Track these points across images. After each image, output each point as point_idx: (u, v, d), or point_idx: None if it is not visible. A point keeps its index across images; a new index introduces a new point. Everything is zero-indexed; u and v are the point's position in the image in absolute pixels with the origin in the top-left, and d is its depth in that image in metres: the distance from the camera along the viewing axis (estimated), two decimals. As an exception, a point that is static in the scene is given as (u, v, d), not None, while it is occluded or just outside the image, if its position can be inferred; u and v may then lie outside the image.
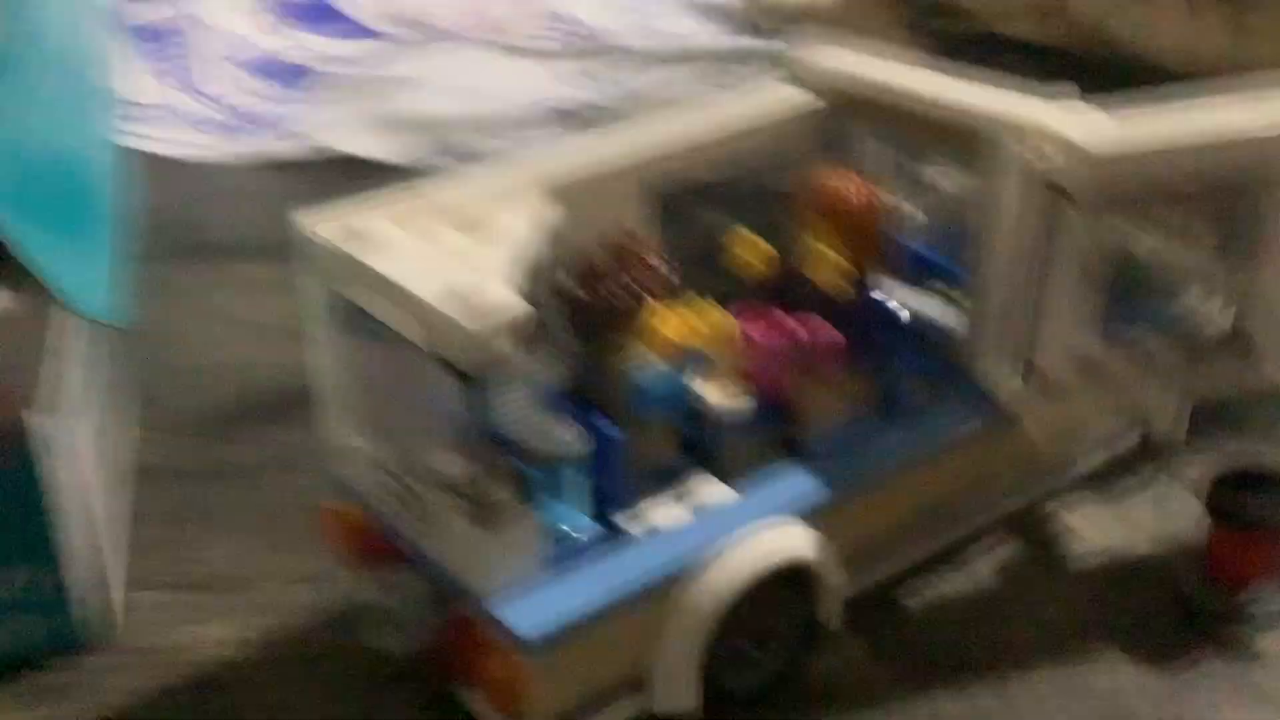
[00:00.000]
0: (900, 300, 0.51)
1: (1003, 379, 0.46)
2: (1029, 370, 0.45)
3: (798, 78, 0.50)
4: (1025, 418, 0.46)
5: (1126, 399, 0.46)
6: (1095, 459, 0.53)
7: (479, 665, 0.38)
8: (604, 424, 0.41)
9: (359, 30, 1.12)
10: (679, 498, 0.43)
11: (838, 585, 0.44)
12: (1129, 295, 0.52)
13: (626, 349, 0.42)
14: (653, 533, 0.41)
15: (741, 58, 1.02)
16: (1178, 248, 0.49)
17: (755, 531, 0.41)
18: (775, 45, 1.04)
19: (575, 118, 0.92)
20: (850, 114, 0.49)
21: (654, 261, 0.41)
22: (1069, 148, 0.41)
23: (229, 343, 0.66)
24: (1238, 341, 0.46)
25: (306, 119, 0.93)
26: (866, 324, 0.46)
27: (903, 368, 0.48)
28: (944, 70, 0.47)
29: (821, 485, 0.43)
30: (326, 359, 0.42)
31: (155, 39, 1.03)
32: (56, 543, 0.44)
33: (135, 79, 0.95)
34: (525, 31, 1.10)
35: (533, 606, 0.38)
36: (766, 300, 0.47)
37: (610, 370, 0.42)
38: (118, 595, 0.48)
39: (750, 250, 0.47)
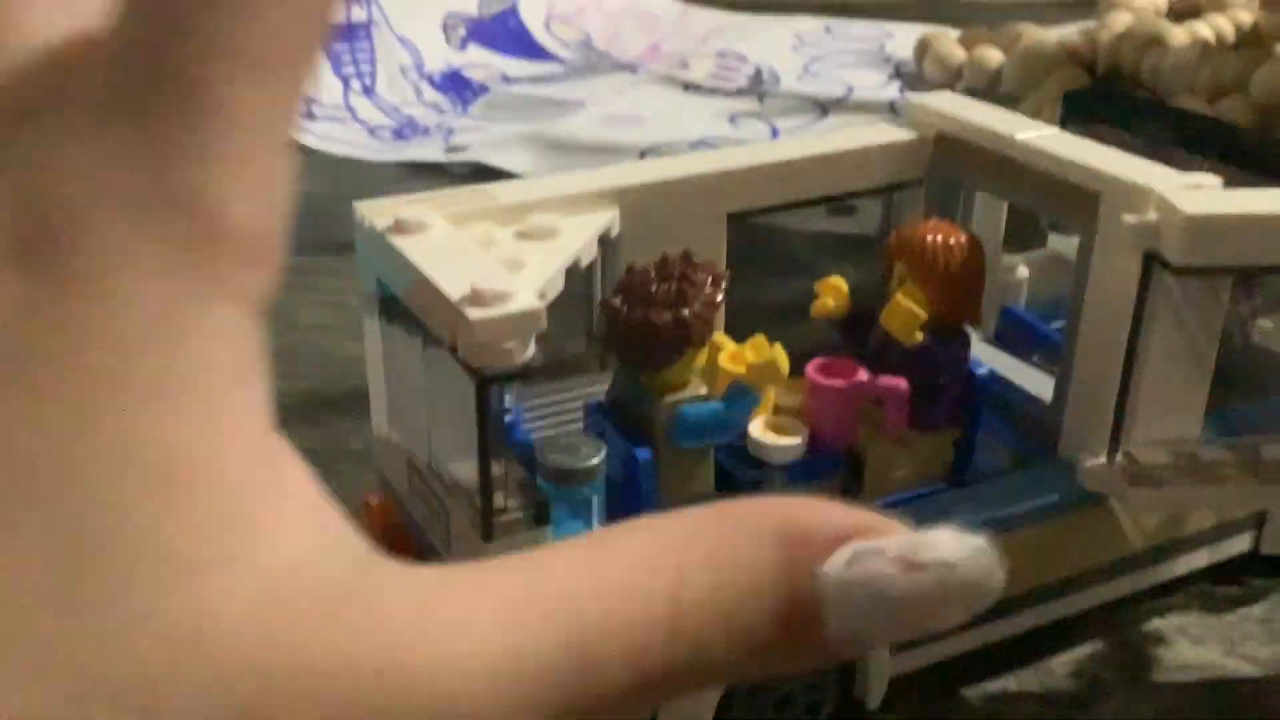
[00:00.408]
0: (990, 363, 0.48)
1: (1087, 458, 0.42)
2: (1115, 451, 0.41)
3: (911, 119, 0.48)
4: (1110, 502, 0.41)
5: (1227, 501, 0.41)
6: (1197, 560, 0.48)
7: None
8: (637, 448, 0.40)
9: (542, 54, 1.14)
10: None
11: (879, 660, 0.40)
12: (1252, 388, 0.47)
13: (672, 374, 0.40)
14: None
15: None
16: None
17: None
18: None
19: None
20: (960, 162, 0.46)
21: (709, 288, 0.39)
22: (1165, 207, 0.37)
23: (338, 327, 0.67)
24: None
25: (474, 134, 0.94)
26: (939, 379, 0.43)
27: (979, 433, 0.45)
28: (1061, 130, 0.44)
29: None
30: (372, 350, 0.41)
31: (344, 38, 1.07)
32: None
33: (320, 78, 0.98)
34: (705, 70, 1.10)
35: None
36: (848, 349, 0.44)
37: (650, 395, 0.40)
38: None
39: (829, 291, 0.44)
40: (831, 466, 0.43)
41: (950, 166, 0.47)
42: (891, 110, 1.00)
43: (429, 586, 0.20)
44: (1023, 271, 0.54)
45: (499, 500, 0.35)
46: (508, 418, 0.40)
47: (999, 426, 0.47)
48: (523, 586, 0.20)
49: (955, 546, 0.22)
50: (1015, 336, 0.50)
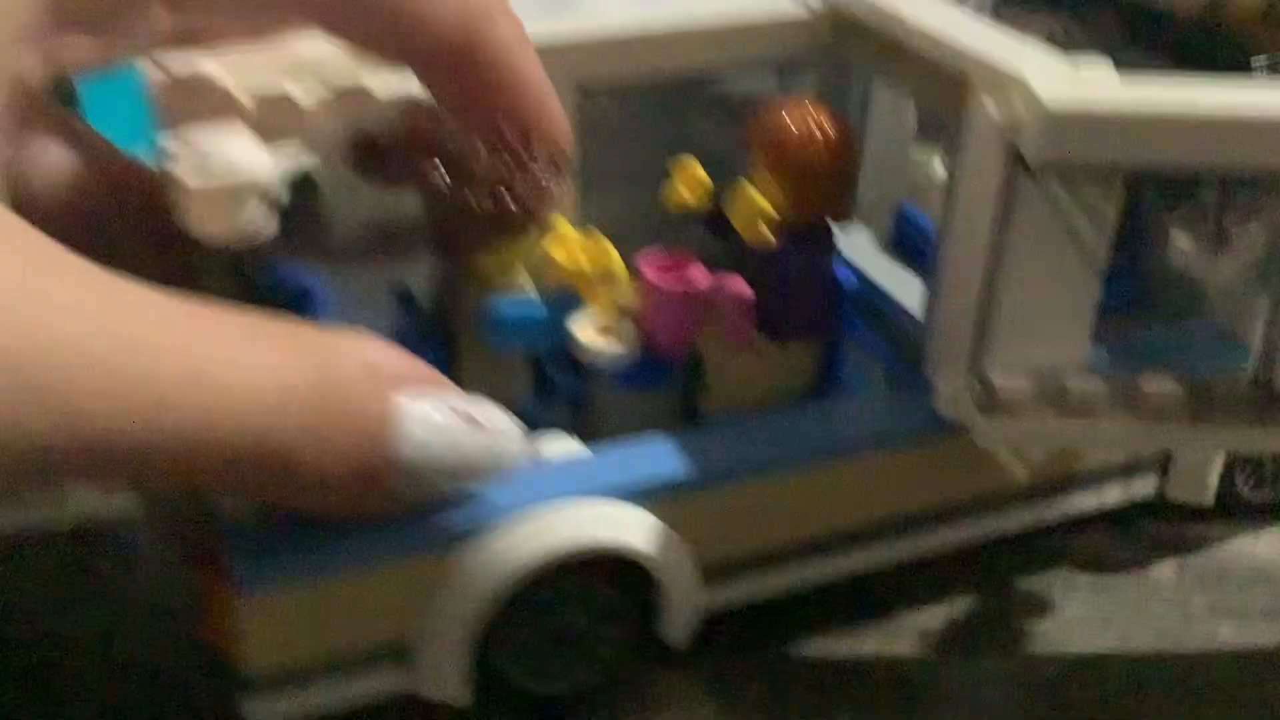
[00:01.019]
0: (875, 269, 0.43)
1: (946, 382, 0.37)
2: (977, 377, 0.36)
3: (804, -9, 0.42)
4: (971, 432, 0.37)
5: (1098, 440, 0.36)
6: (1082, 503, 0.43)
7: (212, 594, 0.33)
8: (431, 345, 0.35)
9: None
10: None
11: (686, 595, 0.36)
12: (1169, 313, 0.42)
13: (490, 265, 0.35)
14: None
15: None
16: (1207, 259, 0.39)
17: (568, 506, 0.34)
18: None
19: None
20: (850, 43, 0.41)
21: (544, 169, 0.34)
22: (1029, 99, 0.31)
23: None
24: (1260, 396, 0.36)
25: None
26: (792, 285, 0.38)
27: (843, 347, 0.40)
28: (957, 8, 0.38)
29: (690, 466, 0.36)
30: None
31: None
32: None
33: None
34: None
35: (265, 542, 0.32)
36: (711, 247, 0.40)
37: (464, 285, 0.36)
38: None
39: (686, 180, 0.39)
40: (667, 375, 0.39)
41: (842, 47, 0.41)
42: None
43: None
44: (939, 168, 0.48)
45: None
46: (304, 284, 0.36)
47: (876, 341, 0.42)
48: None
49: (505, 420, 0.31)
50: (911, 242, 0.45)
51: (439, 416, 0.28)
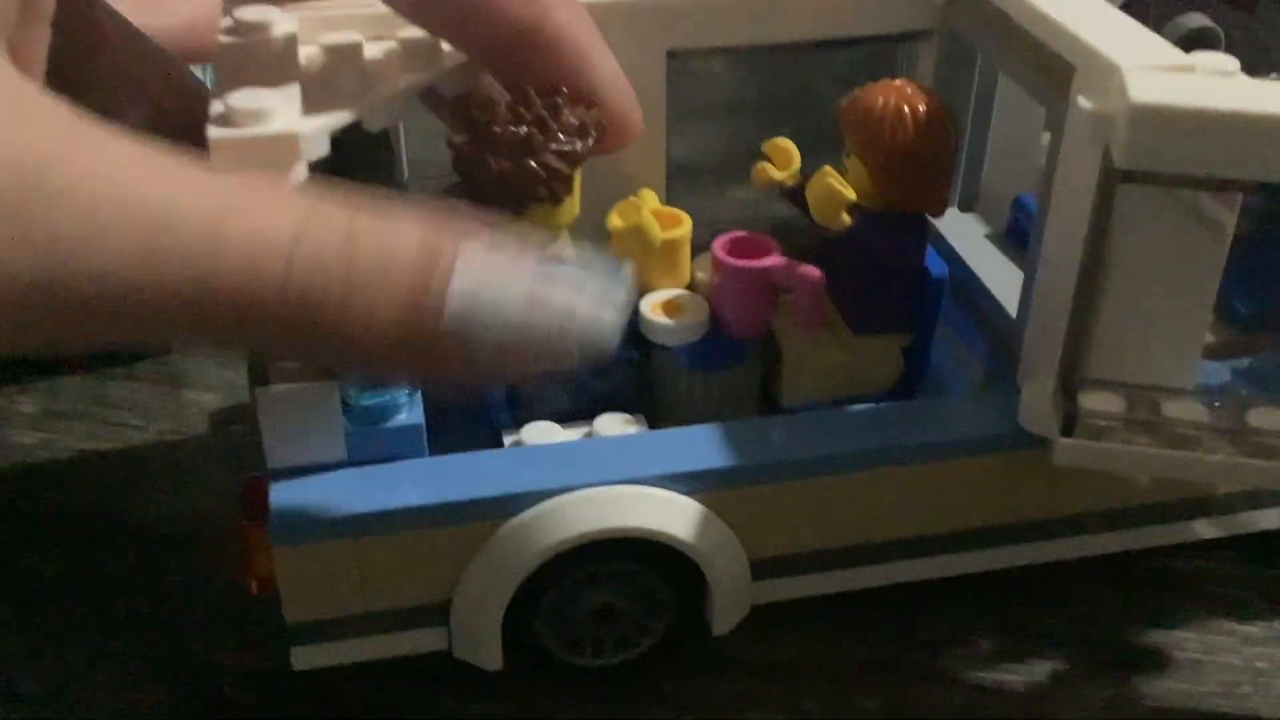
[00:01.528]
0: (978, 261, 0.41)
1: (1032, 393, 0.34)
2: (1064, 394, 0.33)
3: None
4: (1053, 451, 0.34)
5: (1192, 471, 0.33)
6: (1226, 526, 0.39)
7: (250, 535, 0.34)
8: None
9: None
10: (584, 425, 0.37)
11: (733, 587, 0.35)
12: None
13: (539, 225, 0.34)
14: (491, 453, 0.34)
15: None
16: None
17: (610, 488, 0.33)
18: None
19: None
20: (967, 18, 0.38)
21: (572, 135, 0.33)
22: (1119, 92, 0.28)
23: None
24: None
25: None
26: (874, 274, 0.36)
27: (930, 342, 0.38)
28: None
29: (743, 457, 0.34)
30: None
31: None
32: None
33: None
34: None
35: (303, 491, 0.33)
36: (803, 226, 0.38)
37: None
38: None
39: (777, 154, 0.37)
40: (736, 355, 0.37)
41: (957, 24, 0.39)
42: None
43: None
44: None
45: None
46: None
47: (977, 340, 0.40)
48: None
49: (581, 299, 0.26)
50: (1027, 234, 0.42)
51: (500, 281, 0.25)
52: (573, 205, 0.34)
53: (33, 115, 0.23)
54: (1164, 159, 0.28)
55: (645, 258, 0.36)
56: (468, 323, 0.25)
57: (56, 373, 0.48)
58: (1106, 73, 0.30)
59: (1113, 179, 0.30)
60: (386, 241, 0.24)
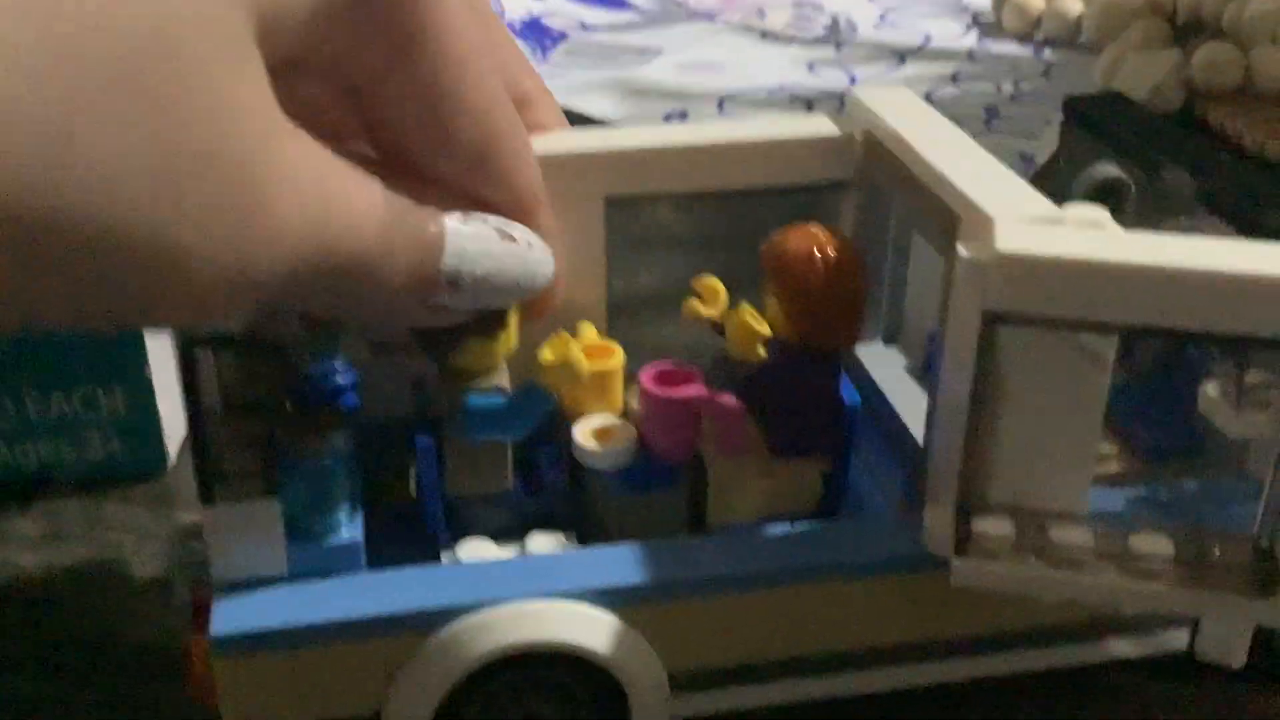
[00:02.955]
0: (893, 392, 0.43)
1: (931, 516, 0.37)
2: (960, 518, 0.36)
3: (848, 114, 0.43)
4: (952, 575, 0.36)
5: (1081, 593, 0.35)
6: (1128, 646, 0.41)
7: (194, 647, 0.36)
8: (418, 435, 0.38)
9: (620, 2, 1.15)
10: (518, 543, 0.39)
11: (651, 701, 0.37)
12: (1199, 465, 0.41)
13: (466, 359, 0.37)
14: (423, 568, 0.36)
15: (986, 60, 1.00)
16: (1230, 413, 0.37)
17: (532, 603, 0.35)
18: (1023, 50, 1.01)
19: (816, 104, 0.90)
20: (879, 167, 0.41)
21: None
22: (990, 242, 0.31)
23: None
24: (1261, 565, 0.34)
25: (555, 80, 0.94)
26: (790, 404, 0.38)
27: (847, 468, 0.40)
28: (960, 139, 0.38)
29: (662, 573, 0.36)
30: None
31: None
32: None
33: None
34: (782, 19, 1.10)
35: (244, 605, 0.35)
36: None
37: (444, 377, 0.38)
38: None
39: (706, 291, 0.40)
40: (664, 479, 0.40)
41: (873, 173, 0.42)
42: (970, 59, 0.99)
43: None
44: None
45: (230, 464, 0.34)
46: (339, 380, 0.39)
47: (893, 467, 0.42)
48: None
49: (535, 237, 0.35)
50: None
51: (480, 231, 0.33)
52: (509, 339, 0.37)
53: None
54: (1032, 303, 0.31)
55: (576, 387, 0.38)
56: (460, 260, 0.32)
57: (54, 495, 0.50)
58: (983, 222, 0.33)
59: (990, 320, 0.32)
60: (413, 218, 0.32)
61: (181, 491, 0.51)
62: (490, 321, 0.35)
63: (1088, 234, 0.32)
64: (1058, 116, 0.54)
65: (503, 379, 0.38)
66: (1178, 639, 0.41)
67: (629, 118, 0.86)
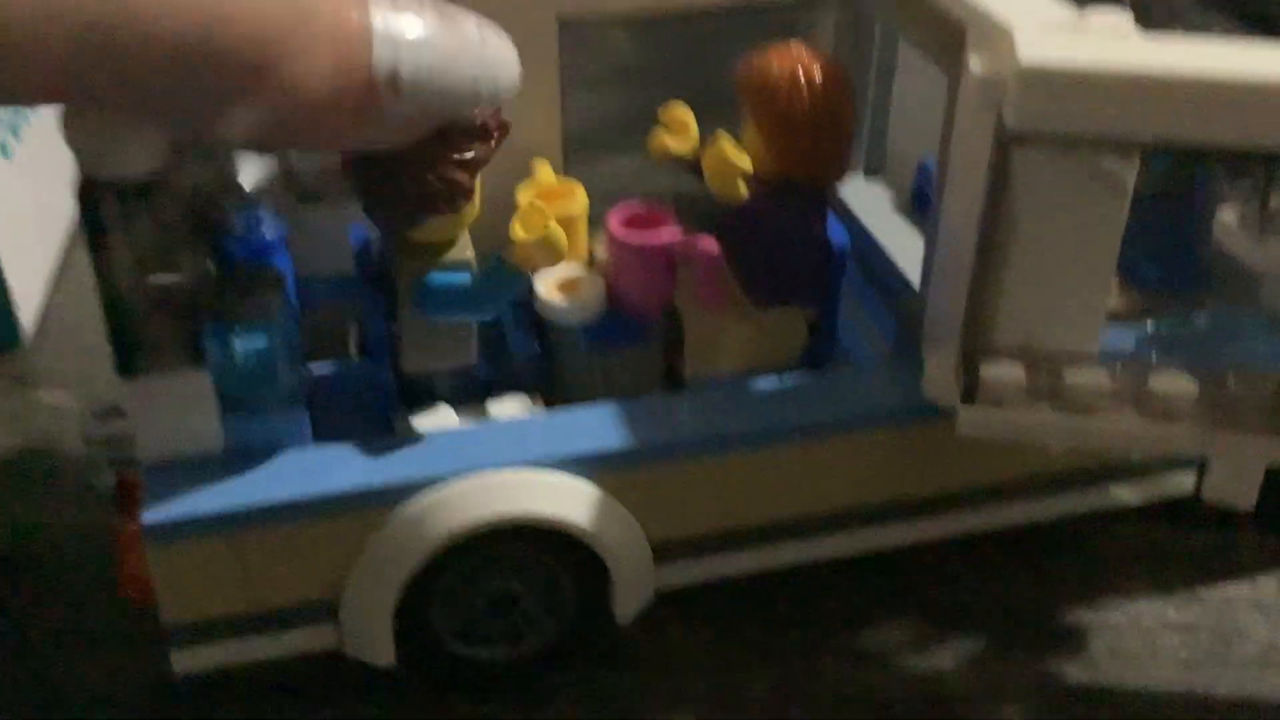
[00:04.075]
0: (882, 230, 0.40)
1: (934, 363, 0.34)
2: (966, 364, 0.33)
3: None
4: (959, 424, 0.33)
5: (1096, 438, 0.32)
6: (1133, 491, 0.39)
7: (124, 535, 0.32)
8: (368, 298, 0.34)
9: None
10: (479, 408, 0.35)
11: (634, 574, 0.34)
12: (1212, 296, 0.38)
13: (425, 232, 0.33)
14: (379, 440, 0.33)
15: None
16: (1252, 241, 0.34)
17: (502, 473, 0.32)
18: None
19: None
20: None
21: (472, 145, 0.30)
22: (1009, 54, 0.27)
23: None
24: (1286, 401, 0.31)
25: None
26: (770, 246, 0.35)
27: (835, 314, 0.37)
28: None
29: (641, 436, 0.33)
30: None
31: None
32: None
33: None
34: None
35: (178, 485, 0.31)
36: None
37: (400, 251, 0.33)
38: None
39: (674, 123, 0.36)
40: (636, 334, 0.36)
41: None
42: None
43: None
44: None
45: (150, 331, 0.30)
46: (266, 234, 0.35)
47: (881, 311, 0.39)
48: None
49: (490, 29, 0.29)
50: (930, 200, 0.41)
51: (417, 21, 0.27)
52: (473, 208, 0.33)
53: None
54: (1056, 121, 0.28)
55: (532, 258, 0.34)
56: (397, 57, 0.26)
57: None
58: (997, 34, 0.29)
59: (1006, 143, 0.29)
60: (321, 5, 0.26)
61: (40, 370, 0.46)
62: (457, 195, 0.31)
63: (1114, 42, 0.28)
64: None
65: (467, 251, 0.33)
66: (1183, 482, 0.39)
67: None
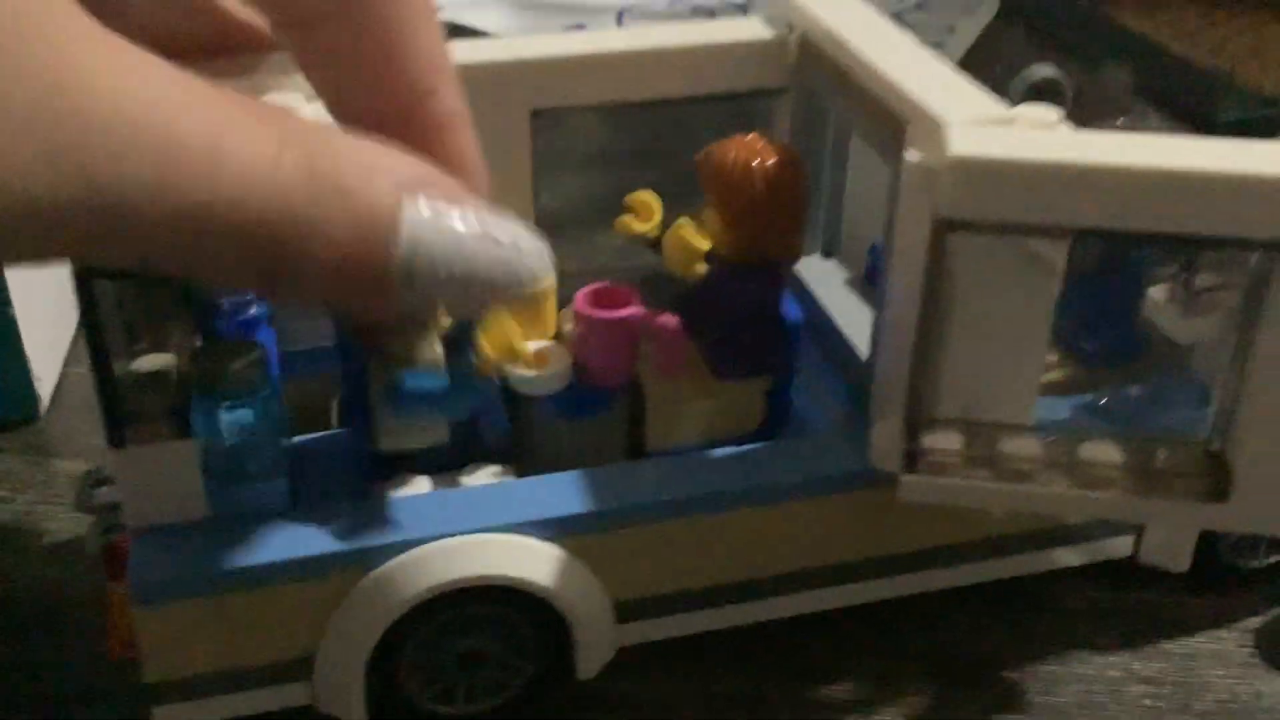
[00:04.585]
0: (835, 307, 0.42)
1: (878, 432, 0.36)
2: (908, 432, 0.35)
3: (782, 15, 0.41)
4: (900, 490, 0.35)
5: (1032, 504, 0.34)
6: (1074, 554, 0.41)
7: (111, 597, 0.34)
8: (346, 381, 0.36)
9: None
10: (452, 479, 0.37)
11: (596, 631, 0.36)
12: (1140, 370, 0.40)
13: (394, 343, 0.34)
14: (354, 506, 0.35)
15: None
16: (1179, 317, 0.36)
17: (471, 537, 0.34)
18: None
19: (720, 15, 0.85)
20: (815, 71, 0.39)
21: None
22: (943, 145, 0.30)
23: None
24: (1211, 469, 0.33)
25: None
26: (729, 321, 0.37)
27: (789, 386, 0.39)
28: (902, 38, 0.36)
29: (604, 501, 0.35)
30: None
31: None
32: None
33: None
34: None
35: (163, 550, 0.33)
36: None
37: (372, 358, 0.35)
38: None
39: (639, 207, 0.39)
40: (601, 404, 0.38)
41: (810, 78, 0.40)
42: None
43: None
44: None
45: (139, 404, 0.32)
46: (252, 310, 0.37)
47: (837, 383, 0.41)
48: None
49: (526, 235, 0.27)
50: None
51: (447, 220, 0.26)
52: (442, 317, 0.35)
53: (60, 29, 0.22)
54: (985, 208, 0.30)
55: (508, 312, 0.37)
56: (416, 251, 0.25)
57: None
58: (932, 127, 0.31)
59: (941, 228, 0.31)
60: (352, 160, 0.25)
61: (57, 440, 0.48)
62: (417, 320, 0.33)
63: (1041, 135, 0.31)
64: (979, 9, 0.52)
65: (437, 355, 0.35)
66: (1122, 545, 0.41)
67: (524, 31, 0.82)
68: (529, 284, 0.27)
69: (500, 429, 0.38)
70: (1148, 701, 0.39)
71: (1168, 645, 0.41)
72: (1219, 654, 0.40)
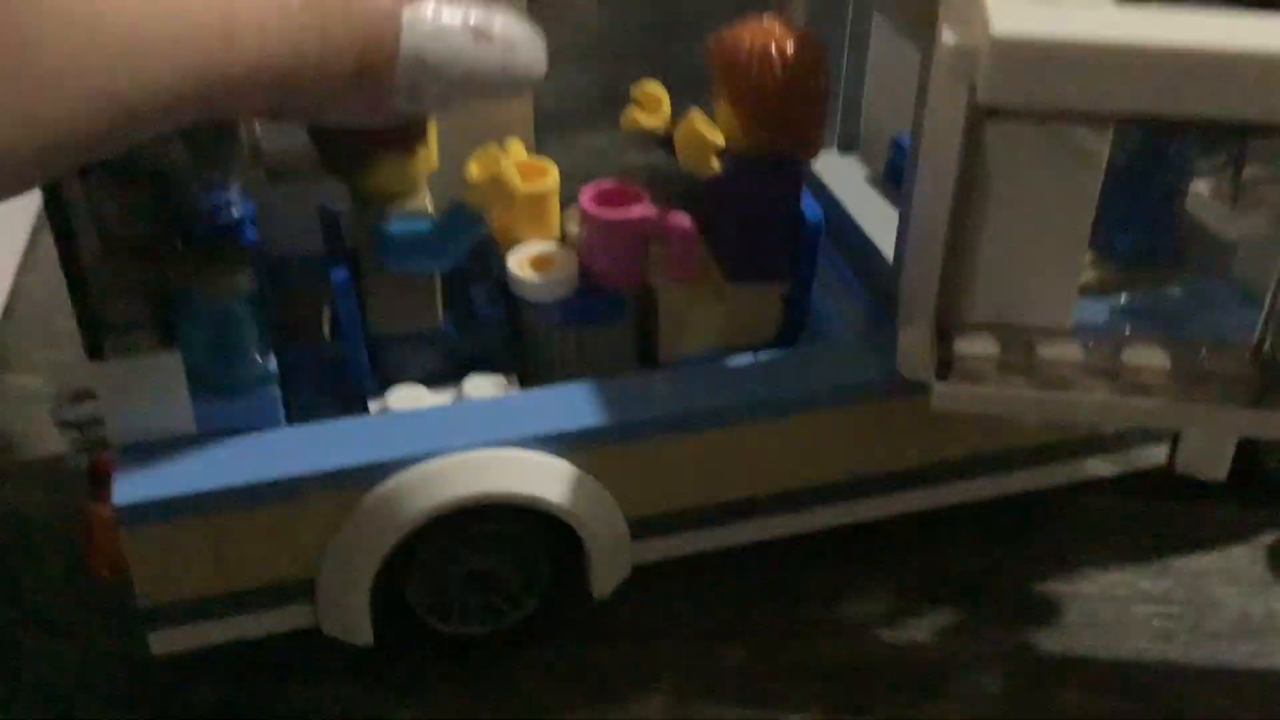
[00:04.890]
0: (856, 205, 0.40)
1: (907, 338, 0.34)
2: (940, 339, 0.33)
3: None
4: (934, 400, 0.33)
5: (1070, 412, 0.32)
6: (1105, 464, 0.39)
7: (96, 517, 0.32)
8: (334, 266, 0.33)
9: None
10: (453, 388, 0.35)
11: (610, 550, 0.34)
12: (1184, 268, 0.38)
13: (382, 180, 0.33)
14: (354, 420, 0.33)
15: None
16: (1224, 212, 0.34)
17: (478, 453, 0.32)
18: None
19: None
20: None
21: None
22: (983, 25, 0.27)
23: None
24: (1261, 374, 0.31)
25: None
26: (744, 220, 0.35)
27: (809, 290, 0.37)
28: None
29: (617, 414, 0.33)
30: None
31: None
32: None
33: None
34: None
35: (151, 467, 0.31)
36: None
37: (360, 202, 0.33)
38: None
39: (647, 100, 0.36)
40: (610, 310, 0.36)
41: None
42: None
43: None
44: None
45: (118, 312, 0.30)
46: (235, 211, 0.34)
47: (858, 286, 0.39)
48: None
49: (521, 31, 0.29)
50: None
51: (445, 20, 0.27)
52: (428, 156, 0.33)
53: None
54: (1029, 94, 0.27)
55: (509, 210, 0.34)
56: (418, 67, 0.27)
57: None
58: (970, 6, 0.29)
59: (979, 116, 0.29)
60: None
61: (8, 354, 0.46)
62: (407, 135, 0.31)
63: (1089, 13, 0.28)
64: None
65: (424, 201, 0.33)
66: (1156, 454, 0.39)
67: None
68: (524, 82, 0.29)
69: (496, 322, 0.36)
70: (1156, 622, 0.37)
71: (1177, 562, 0.39)
72: (1230, 571, 0.39)
